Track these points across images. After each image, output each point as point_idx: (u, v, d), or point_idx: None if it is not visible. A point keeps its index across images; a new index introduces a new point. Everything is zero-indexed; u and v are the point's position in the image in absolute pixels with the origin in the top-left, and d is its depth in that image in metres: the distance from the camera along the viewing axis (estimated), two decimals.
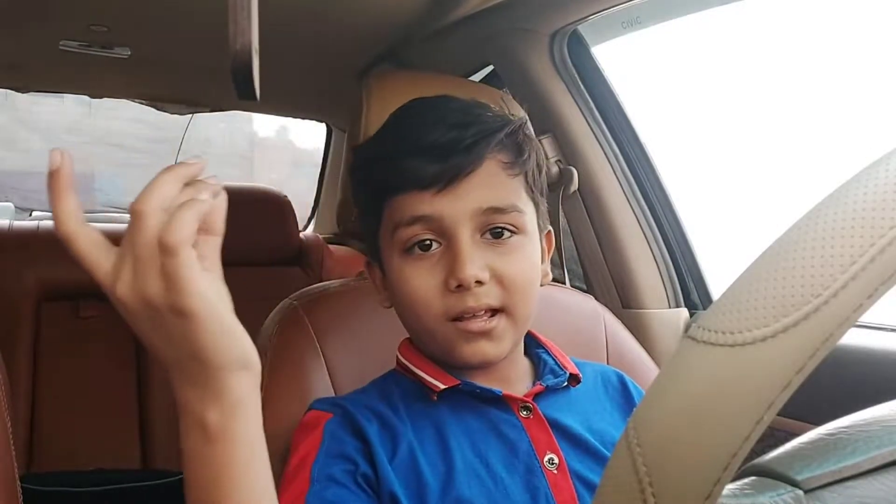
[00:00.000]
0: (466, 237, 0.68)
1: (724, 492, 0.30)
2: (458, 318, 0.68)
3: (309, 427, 0.71)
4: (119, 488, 1.63)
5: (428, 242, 0.69)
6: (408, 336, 0.78)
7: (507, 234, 0.70)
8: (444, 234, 0.69)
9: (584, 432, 0.73)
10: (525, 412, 0.73)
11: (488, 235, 0.70)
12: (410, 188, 0.69)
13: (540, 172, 0.76)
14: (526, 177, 0.73)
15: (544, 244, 0.77)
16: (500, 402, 0.72)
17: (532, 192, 0.74)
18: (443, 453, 0.69)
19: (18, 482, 0.76)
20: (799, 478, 0.32)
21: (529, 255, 0.72)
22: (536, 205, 0.75)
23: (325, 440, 0.69)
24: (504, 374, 0.74)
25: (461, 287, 0.67)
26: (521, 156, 0.73)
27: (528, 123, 0.77)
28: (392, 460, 0.67)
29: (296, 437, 0.72)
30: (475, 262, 0.67)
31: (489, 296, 0.68)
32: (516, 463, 0.69)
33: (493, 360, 0.71)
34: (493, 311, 0.69)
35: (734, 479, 0.32)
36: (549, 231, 0.79)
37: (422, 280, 0.69)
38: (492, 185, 0.70)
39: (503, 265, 0.69)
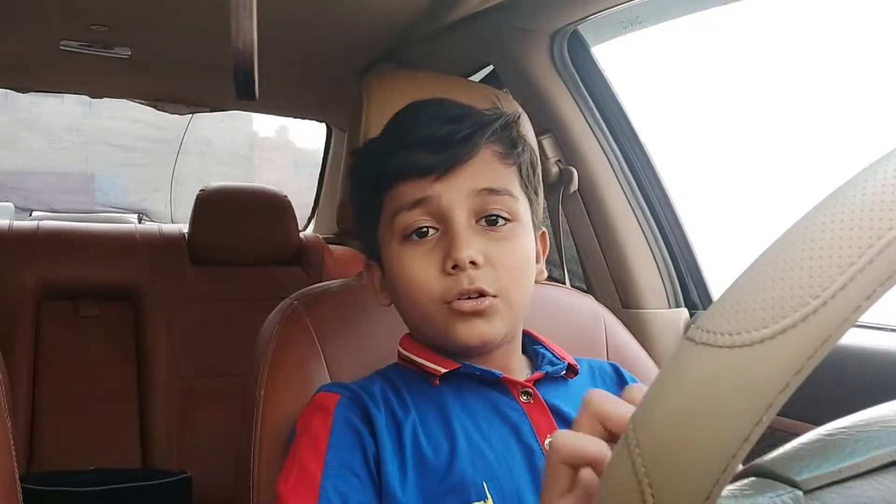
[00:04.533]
0: (462, 220, 0.71)
1: (724, 492, 0.30)
2: (453, 301, 0.70)
3: (319, 408, 0.73)
4: (119, 488, 1.62)
5: (425, 229, 0.72)
6: (407, 332, 0.79)
7: (501, 221, 0.73)
8: (442, 219, 0.71)
9: None
10: (525, 397, 0.74)
11: (483, 222, 0.72)
12: (411, 176, 0.72)
13: (534, 171, 0.79)
14: (520, 169, 0.77)
15: (539, 244, 0.79)
16: (501, 385, 0.74)
17: (526, 187, 0.77)
18: (446, 434, 0.71)
19: (18, 482, 0.76)
20: (798, 478, 0.32)
21: (523, 243, 0.74)
22: (530, 201, 0.77)
23: (336, 425, 0.70)
24: (503, 362, 0.76)
25: (457, 268, 0.69)
26: (515, 148, 0.77)
27: (523, 120, 0.80)
28: (397, 446, 0.69)
29: (305, 417, 0.73)
30: (471, 244, 0.70)
31: (483, 280, 0.70)
32: (518, 444, 0.71)
33: (488, 340, 0.72)
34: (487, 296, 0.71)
35: (733, 480, 0.32)
36: (544, 231, 0.82)
37: (419, 264, 0.71)
38: (487, 170, 0.73)
39: (497, 251, 0.71)
